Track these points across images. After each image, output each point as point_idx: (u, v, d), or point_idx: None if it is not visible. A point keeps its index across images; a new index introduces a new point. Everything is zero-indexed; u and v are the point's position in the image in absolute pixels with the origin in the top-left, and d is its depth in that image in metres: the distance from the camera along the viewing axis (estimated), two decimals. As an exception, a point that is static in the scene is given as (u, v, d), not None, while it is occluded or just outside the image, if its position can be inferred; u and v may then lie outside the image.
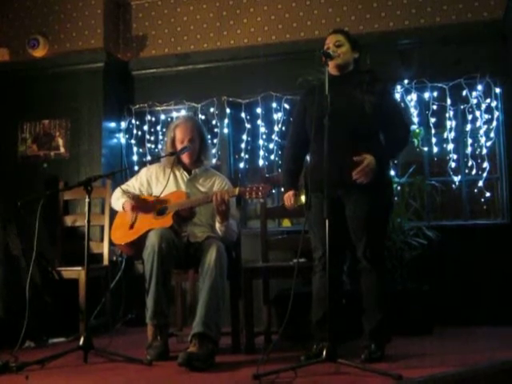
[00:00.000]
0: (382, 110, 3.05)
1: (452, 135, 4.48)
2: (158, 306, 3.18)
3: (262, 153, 4.81)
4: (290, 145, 3.33)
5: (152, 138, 5.13)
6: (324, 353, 2.69)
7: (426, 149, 4.51)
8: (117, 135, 5.14)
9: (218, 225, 3.39)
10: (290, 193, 3.23)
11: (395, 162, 4.38)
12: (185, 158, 3.58)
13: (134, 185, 3.66)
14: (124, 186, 3.63)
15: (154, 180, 3.62)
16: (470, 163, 4.47)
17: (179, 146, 3.55)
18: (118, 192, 3.64)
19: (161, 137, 5.02)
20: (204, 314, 3.05)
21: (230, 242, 3.49)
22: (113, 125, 5.11)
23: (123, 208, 3.52)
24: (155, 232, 3.22)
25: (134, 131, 5.12)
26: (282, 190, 3.46)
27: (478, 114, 4.45)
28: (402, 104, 4.44)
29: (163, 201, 3.44)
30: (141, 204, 3.46)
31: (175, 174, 3.60)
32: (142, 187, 3.63)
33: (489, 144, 4.44)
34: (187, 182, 3.58)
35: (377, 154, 2.97)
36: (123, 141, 5.14)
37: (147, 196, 3.57)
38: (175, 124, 3.65)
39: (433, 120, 4.49)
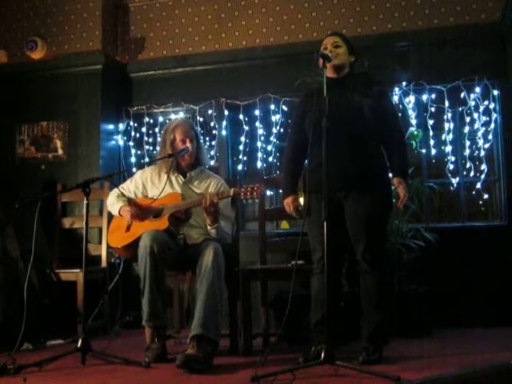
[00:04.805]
0: (378, 111, 3.06)
1: (450, 137, 4.49)
2: (152, 307, 3.17)
3: (260, 155, 4.81)
4: (290, 147, 3.30)
5: (150, 140, 5.13)
6: (322, 355, 2.68)
7: (424, 151, 4.51)
8: (115, 137, 5.13)
9: (208, 227, 3.38)
10: (289, 199, 3.22)
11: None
12: (184, 159, 3.56)
13: (129, 187, 3.64)
14: (119, 189, 3.61)
15: (150, 183, 3.61)
16: (468, 165, 4.48)
17: (180, 146, 3.52)
18: (113, 196, 3.62)
19: (159, 139, 5.00)
20: (202, 316, 3.04)
21: (225, 241, 3.45)
22: (111, 127, 5.11)
23: (120, 214, 3.51)
24: (147, 234, 3.20)
25: (132, 133, 5.12)
26: (281, 191, 3.45)
27: (475, 116, 4.46)
28: (400, 106, 4.46)
29: (159, 204, 3.42)
30: (138, 211, 3.45)
31: (170, 178, 3.57)
32: (137, 190, 3.62)
33: (487, 146, 4.45)
34: (182, 185, 3.56)
35: (399, 172, 3.10)
36: (121, 143, 5.14)
37: (143, 198, 3.56)
38: (173, 126, 3.61)
39: (431, 122, 4.50)
